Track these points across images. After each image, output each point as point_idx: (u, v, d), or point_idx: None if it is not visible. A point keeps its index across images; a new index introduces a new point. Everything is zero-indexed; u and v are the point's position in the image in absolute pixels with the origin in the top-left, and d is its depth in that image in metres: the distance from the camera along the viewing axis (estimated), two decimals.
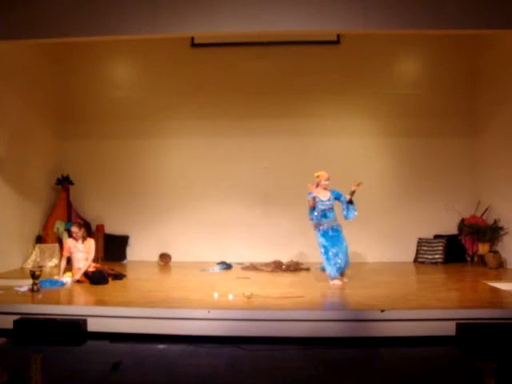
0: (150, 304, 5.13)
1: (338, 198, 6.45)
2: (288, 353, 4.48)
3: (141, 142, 9.04)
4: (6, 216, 7.41)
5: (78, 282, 6.37)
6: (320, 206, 6.34)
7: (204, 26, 5.94)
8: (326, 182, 6.40)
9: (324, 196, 6.38)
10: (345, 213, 6.46)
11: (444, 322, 4.63)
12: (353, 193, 6.38)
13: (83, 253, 6.57)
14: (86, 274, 6.38)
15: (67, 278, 6.40)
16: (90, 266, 6.54)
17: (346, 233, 8.47)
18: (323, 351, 4.49)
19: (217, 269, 7.86)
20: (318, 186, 6.40)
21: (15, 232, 7.74)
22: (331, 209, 6.41)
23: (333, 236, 6.37)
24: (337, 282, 6.23)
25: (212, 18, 5.88)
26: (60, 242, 8.18)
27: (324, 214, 6.37)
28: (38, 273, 5.71)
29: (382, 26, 5.85)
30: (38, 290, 5.67)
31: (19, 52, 7.72)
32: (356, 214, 6.45)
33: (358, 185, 6.35)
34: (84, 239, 6.62)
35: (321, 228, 6.40)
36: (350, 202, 6.42)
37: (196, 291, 5.84)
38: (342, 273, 6.45)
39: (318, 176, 6.44)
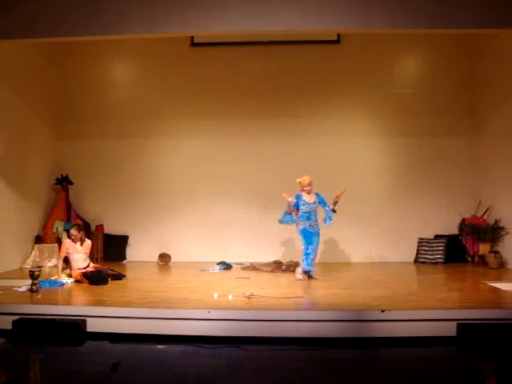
0: (149, 304, 5.11)
1: (322, 203, 6.89)
2: (288, 353, 4.46)
3: (140, 141, 9.03)
4: (5, 216, 7.39)
5: (78, 282, 6.35)
6: (305, 208, 6.77)
7: (204, 25, 5.94)
8: (309, 187, 6.80)
9: (309, 198, 6.81)
10: (324, 219, 6.94)
11: (445, 322, 4.61)
12: (336, 202, 6.87)
13: (82, 253, 6.56)
14: (85, 274, 6.36)
15: (66, 279, 6.39)
16: (88, 266, 6.55)
17: (347, 232, 8.57)
18: (323, 351, 4.48)
19: (217, 269, 7.85)
20: (301, 190, 6.84)
21: (14, 232, 7.71)
22: (315, 211, 6.84)
23: (312, 236, 6.79)
24: (300, 277, 6.75)
25: (212, 17, 5.87)
26: (59, 242, 8.14)
27: (308, 216, 6.79)
28: (37, 273, 5.70)
29: (383, 25, 5.84)
30: (37, 291, 5.65)
31: (18, 52, 7.70)
32: (331, 223, 6.92)
33: (342, 193, 6.80)
34: (82, 241, 6.63)
35: (301, 226, 6.81)
36: (333, 210, 6.91)
37: (196, 291, 5.82)
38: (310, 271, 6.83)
39: (299, 182, 6.87)
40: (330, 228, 8.30)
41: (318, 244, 6.92)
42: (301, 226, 6.83)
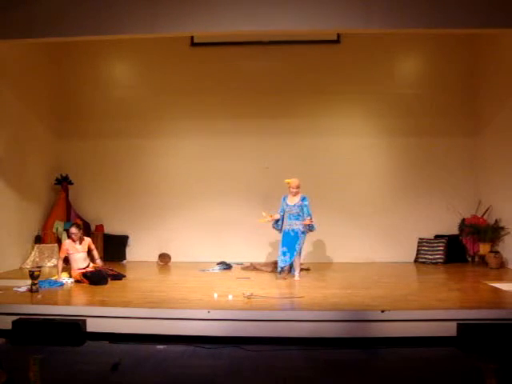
0: (149, 304, 5.10)
1: (305, 209, 6.83)
2: (288, 353, 4.46)
3: (140, 141, 9.02)
4: (5, 216, 7.38)
5: (78, 282, 6.35)
6: (286, 209, 6.91)
7: (203, 25, 5.92)
8: (294, 190, 6.86)
9: (291, 201, 6.90)
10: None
11: (445, 322, 4.60)
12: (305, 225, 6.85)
13: (82, 253, 6.55)
14: (85, 274, 6.35)
15: (66, 279, 6.39)
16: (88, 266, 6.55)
17: (347, 232, 8.57)
18: (323, 351, 4.47)
19: (217, 269, 7.84)
20: (289, 192, 6.94)
21: (14, 232, 7.71)
22: (296, 214, 6.84)
23: (291, 237, 6.83)
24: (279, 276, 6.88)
25: (211, 17, 5.86)
26: (59, 242, 8.14)
27: (289, 217, 6.89)
28: (36, 273, 5.69)
29: (383, 25, 5.83)
30: (37, 291, 5.64)
31: (18, 51, 7.70)
32: (314, 228, 6.93)
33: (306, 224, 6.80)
34: (81, 240, 6.62)
35: (282, 228, 7.00)
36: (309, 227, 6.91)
37: (196, 291, 5.82)
38: (284, 269, 6.89)
39: (287, 183, 6.91)
40: (330, 228, 8.35)
41: (298, 245, 6.79)
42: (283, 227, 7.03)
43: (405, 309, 4.89)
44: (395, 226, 8.66)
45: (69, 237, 6.73)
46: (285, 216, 6.97)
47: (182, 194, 8.92)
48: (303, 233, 6.85)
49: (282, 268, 6.87)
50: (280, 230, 7.08)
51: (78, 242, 6.57)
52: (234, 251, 8.56)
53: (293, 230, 6.83)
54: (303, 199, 6.86)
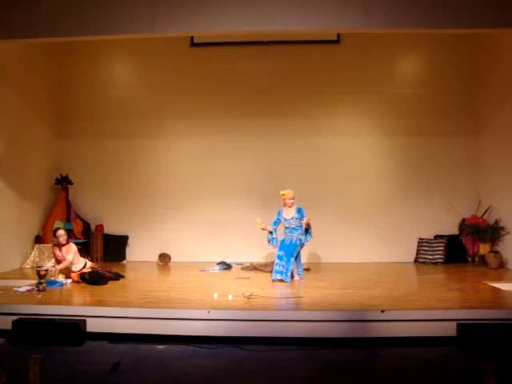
0: (149, 304, 5.11)
1: (301, 218, 6.73)
2: (288, 353, 4.46)
3: (140, 141, 9.02)
4: (5, 216, 7.38)
5: (77, 283, 6.33)
6: (285, 224, 6.82)
7: (203, 25, 5.93)
8: (290, 201, 6.77)
9: (288, 214, 6.82)
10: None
11: (445, 322, 4.61)
12: (306, 228, 6.76)
13: (66, 260, 6.39)
14: (82, 276, 6.33)
15: (65, 280, 6.37)
16: (65, 266, 6.38)
17: (347, 232, 8.57)
18: (323, 351, 4.47)
19: (217, 269, 7.84)
20: (284, 204, 6.84)
21: (14, 232, 7.70)
22: (295, 226, 6.77)
23: (287, 245, 6.75)
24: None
25: (211, 17, 5.86)
26: None
27: (290, 232, 6.81)
28: (42, 272, 5.71)
29: (383, 25, 5.83)
30: (44, 290, 5.64)
31: (17, 51, 7.70)
32: (311, 239, 6.86)
33: (307, 223, 6.66)
34: (64, 245, 6.42)
35: (283, 238, 6.87)
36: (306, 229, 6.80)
37: (196, 291, 5.82)
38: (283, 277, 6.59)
39: (282, 195, 6.82)
40: (330, 228, 8.36)
41: (295, 252, 6.68)
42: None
43: (405, 309, 4.90)
44: (395, 226, 8.67)
45: (56, 238, 6.49)
46: (284, 229, 6.87)
47: (182, 194, 8.92)
48: (302, 244, 6.81)
49: (277, 274, 6.58)
50: (274, 247, 6.93)
51: (57, 249, 6.38)
52: (234, 251, 8.56)
53: (291, 240, 6.77)
54: (299, 211, 6.78)
